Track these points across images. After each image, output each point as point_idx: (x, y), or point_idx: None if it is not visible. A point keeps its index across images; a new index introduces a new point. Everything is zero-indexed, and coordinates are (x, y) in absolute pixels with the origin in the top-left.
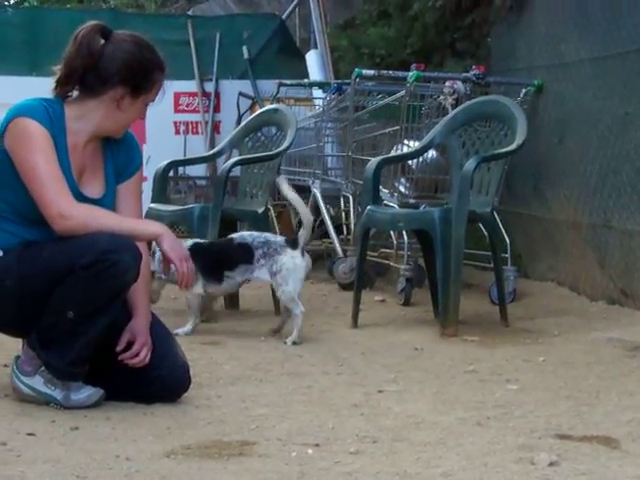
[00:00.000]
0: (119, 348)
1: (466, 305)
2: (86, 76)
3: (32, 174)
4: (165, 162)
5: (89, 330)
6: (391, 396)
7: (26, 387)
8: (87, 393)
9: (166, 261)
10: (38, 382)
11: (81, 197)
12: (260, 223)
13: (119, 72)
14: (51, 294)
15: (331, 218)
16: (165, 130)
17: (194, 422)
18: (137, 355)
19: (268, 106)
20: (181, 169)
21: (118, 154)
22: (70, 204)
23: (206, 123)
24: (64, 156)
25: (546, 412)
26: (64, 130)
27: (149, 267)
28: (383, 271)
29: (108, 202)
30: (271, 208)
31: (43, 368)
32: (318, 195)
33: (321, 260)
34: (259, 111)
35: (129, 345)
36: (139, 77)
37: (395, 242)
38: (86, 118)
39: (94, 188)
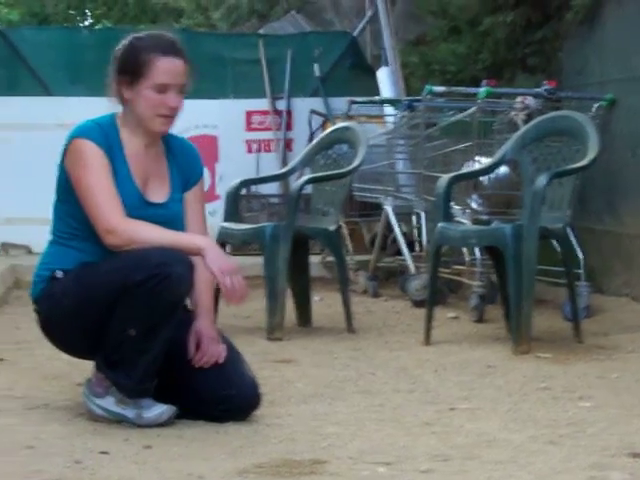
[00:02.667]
0: (190, 354)
1: (539, 321)
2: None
3: (84, 191)
4: (237, 181)
5: (153, 346)
6: (463, 414)
7: (98, 408)
8: (159, 411)
9: (213, 276)
10: (110, 403)
11: (145, 203)
12: (332, 241)
13: (114, 66)
14: (110, 313)
15: (403, 235)
16: (237, 148)
17: (265, 440)
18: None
19: (340, 124)
20: (253, 187)
21: (182, 162)
22: (116, 219)
23: (278, 141)
24: (123, 166)
25: (619, 430)
26: (119, 142)
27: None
28: (455, 288)
29: (173, 206)
30: (343, 225)
31: (114, 388)
32: (390, 212)
33: (393, 277)
34: (331, 129)
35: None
36: (129, 63)
37: (467, 259)
38: (128, 124)
39: (159, 193)
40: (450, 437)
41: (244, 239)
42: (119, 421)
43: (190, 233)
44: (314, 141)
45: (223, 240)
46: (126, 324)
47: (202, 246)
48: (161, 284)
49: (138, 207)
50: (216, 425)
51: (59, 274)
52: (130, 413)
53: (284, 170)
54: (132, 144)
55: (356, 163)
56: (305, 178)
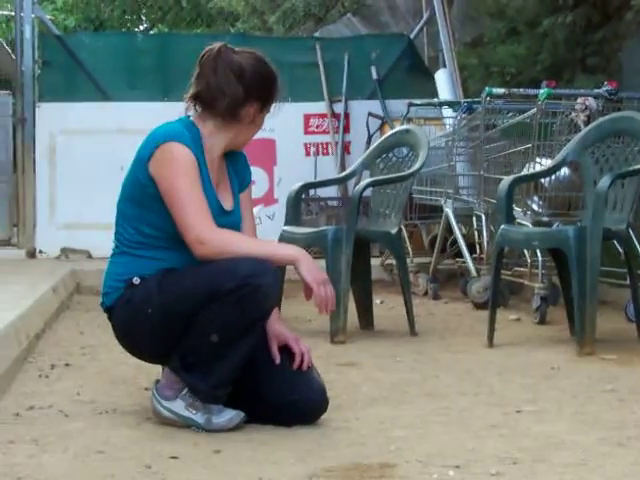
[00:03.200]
0: (275, 357)
1: (602, 323)
2: (219, 95)
3: (175, 197)
4: (298, 185)
5: (234, 354)
6: (529, 416)
7: (167, 411)
8: (228, 416)
9: (305, 285)
10: (179, 406)
11: (222, 211)
12: (393, 244)
13: (254, 89)
14: (191, 320)
15: (463, 237)
16: (296, 152)
17: (334, 444)
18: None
19: (399, 127)
20: (312, 190)
21: (237, 168)
22: (209, 229)
23: (336, 144)
24: (205, 173)
25: None
26: (202, 149)
27: None
28: (517, 290)
29: (238, 212)
30: (403, 228)
31: (185, 392)
32: (450, 214)
33: (453, 279)
34: (391, 132)
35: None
36: (268, 90)
37: (529, 260)
38: (219, 134)
39: (227, 201)
40: (518, 440)
41: (306, 242)
42: (188, 425)
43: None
44: (374, 144)
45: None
46: (210, 330)
47: (297, 256)
48: (251, 295)
49: (218, 215)
50: (285, 429)
51: (136, 280)
52: (200, 418)
53: (344, 174)
54: (211, 153)
55: (417, 166)
56: (367, 181)
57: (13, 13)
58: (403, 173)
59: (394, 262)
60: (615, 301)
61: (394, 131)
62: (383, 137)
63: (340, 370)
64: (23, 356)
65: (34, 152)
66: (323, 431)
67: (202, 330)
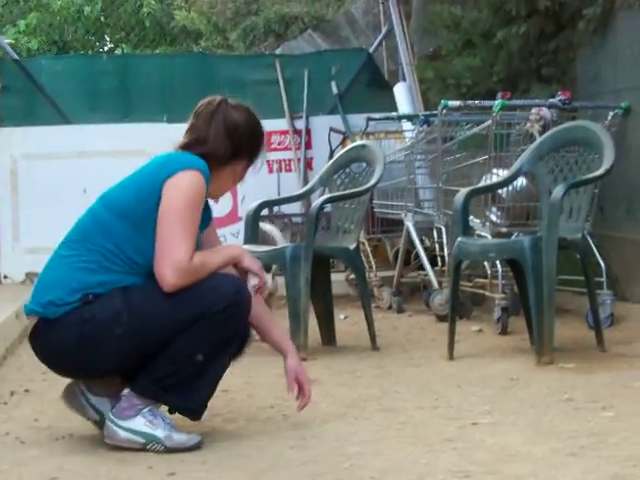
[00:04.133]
0: (292, 393)
1: (564, 331)
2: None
3: (176, 224)
4: (256, 203)
5: (217, 367)
6: (485, 428)
7: (125, 431)
8: (190, 434)
9: (245, 274)
10: (139, 423)
11: None
12: (352, 259)
13: (246, 144)
14: (167, 342)
15: (426, 250)
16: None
17: (288, 463)
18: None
19: (356, 142)
20: (276, 207)
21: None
22: (190, 259)
23: (298, 160)
24: None
25: None
26: None
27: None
28: (480, 301)
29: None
30: (365, 242)
31: (146, 409)
32: (411, 228)
33: (418, 292)
34: (347, 148)
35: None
36: (257, 148)
37: (489, 271)
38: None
39: None
40: (471, 453)
41: (265, 261)
42: (143, 448)
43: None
44: (331, 161)
45: None
46: (196, 350)
47: (238, 252)
48: (237, 312)
49: None
50: (239, 449)
51: (91, 297)
52: (160, 433)
53: (302, 191)
54: None
55: (373, 181)
56: (322, 198)
57: None
58: (359, 189)
59: None
60: (577, 309)
61: (350, 147)
62: (340, 153)
63: None
64: None
65: None
66: (279, 450)
67: (186, 352)
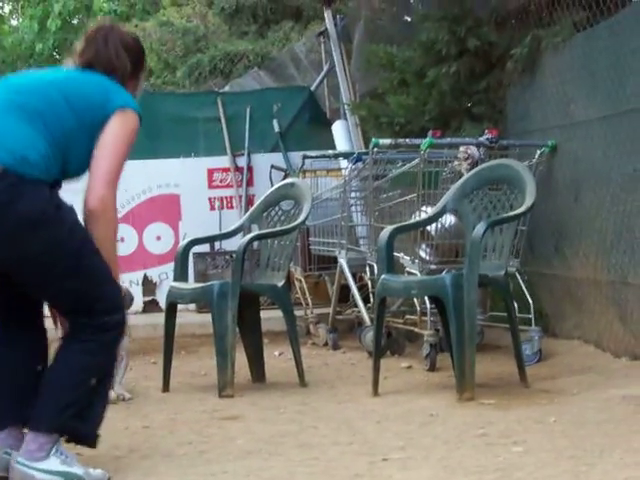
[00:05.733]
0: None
1: (492, 367)
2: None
3: (115, 155)
4: (185, 241)
5: (104, 391)
6: (395, 464)
7: (43, 473)
8: (101, 469)
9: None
10: (55, 464)
11: None
12: (280, 296)
13: (141, 59)
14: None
15: (362, 287)
16: (200, 206)
17: None
18: None
19: (286, 180)
20: (217, 244)
21: None
22: (114, 196)
23: (240, 197)
24: None
25: (545, 473)
26: None
27: None
28: (415, 338)
29: None
30: (302, 279)
31: (55, 450)
32: (344, 265)
33: (353, 329)
34: (276, 186)
35: None
36: (145, 61)
37: (418, 308)
38: None
39: None
40: None
41: (193, 298)
42: None
43: None
44: (260, 198)
45: (173, 299)
46: (88, 375)
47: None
48: (120, 330)
49: None
50: None
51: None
52: (79, 470)
53: (232, 228)
54: None
55: (300, 219)
56: (250, 236)
57: None
58: (286, 227)
59: (297, 312)
60: (508, 345)
61: (280, 185)
62: (269, 191)
63: (221, 424)
64: None
65: None
66: None
67: (80, 379)
